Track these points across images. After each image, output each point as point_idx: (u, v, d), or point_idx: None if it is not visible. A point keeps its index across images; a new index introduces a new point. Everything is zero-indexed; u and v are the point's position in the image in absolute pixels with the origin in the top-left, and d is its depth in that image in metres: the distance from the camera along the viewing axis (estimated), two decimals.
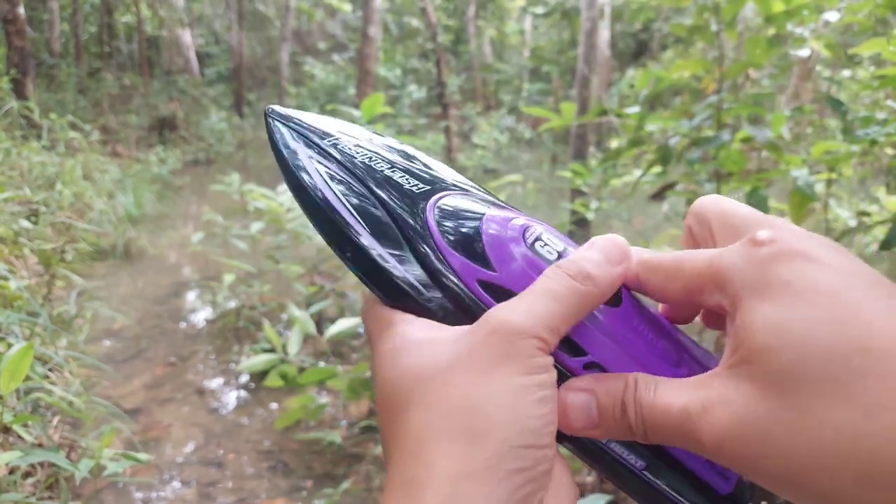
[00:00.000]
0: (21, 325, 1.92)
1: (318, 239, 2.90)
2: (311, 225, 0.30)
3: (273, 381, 2.26)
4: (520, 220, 0.29)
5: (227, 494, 1.87)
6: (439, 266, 0.27)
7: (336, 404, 2.36)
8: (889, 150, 2.40)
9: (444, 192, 0.30)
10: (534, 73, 13.85)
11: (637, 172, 2.64)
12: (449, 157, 8.43)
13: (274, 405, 2.39)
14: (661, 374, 0.25)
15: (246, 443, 2.13)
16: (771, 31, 1.90)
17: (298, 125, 0.31)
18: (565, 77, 12.72)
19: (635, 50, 13.20)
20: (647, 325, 0.27)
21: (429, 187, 0.30)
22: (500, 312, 0.25)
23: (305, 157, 0.29)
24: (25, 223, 3.00)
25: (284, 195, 3.08)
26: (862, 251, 2.88)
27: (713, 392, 0.22)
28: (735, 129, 1.85)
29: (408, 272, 0.27)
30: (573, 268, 0.26)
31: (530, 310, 0.24)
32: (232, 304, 3.34)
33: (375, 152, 0.31)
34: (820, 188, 1.93)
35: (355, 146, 0.30)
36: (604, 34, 9.09)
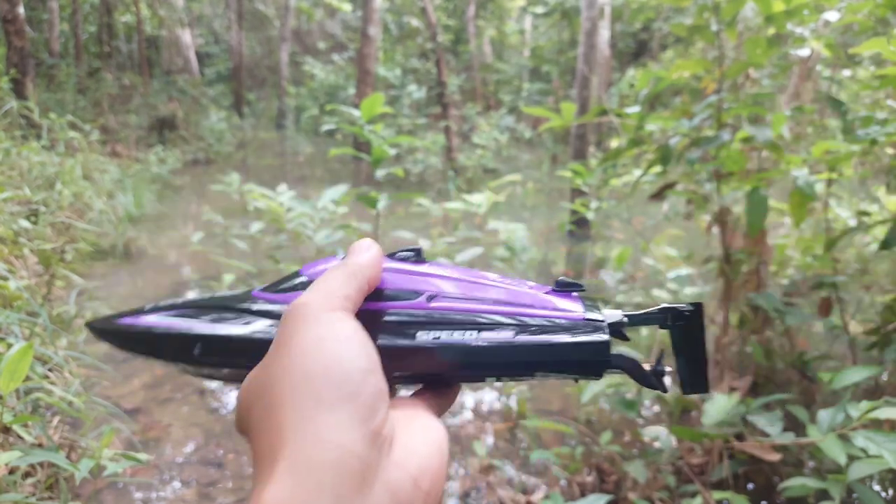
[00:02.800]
0: (21, 325, 1.92)
1: (318, 239, 2.91)
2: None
3: None
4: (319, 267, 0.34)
5: (227, 494, 1.87)
6: (278, 308, 0.32)
7: None
8: (889, 150, 2.40)
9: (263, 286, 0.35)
10: (534, 72, 13.85)
11: (637, 172, 2.64)
12: (449, 157, 8.43)
13: None
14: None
15: (246, 443, 2.14)
16: (771, 31, 1.90)
17: (118, 315, 0.35)
18: (565, 77, 12.72)
19: (635, 50, 13.20)
20: (451, 267, 0.34)
21: (247, 290, 0.35)
22: (293, 301, 0.29)
23: (133, 321, 0.34)
24: (25, 223, 3.00)
25: (284, 195, 3.08)
26: (862, 251, 2.88)
27: None
28: (735, 129, 1.85)
29: (252, 326, 0.32)
30: (339, 261, 0.32)
31: (314, 289, 0.29)
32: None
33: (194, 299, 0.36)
34: (820, 188, 1.93)
35: (170, 302, 0.36)
36: (604, 34, 9.08)
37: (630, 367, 0.31)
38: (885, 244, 1.46)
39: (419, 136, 9.53)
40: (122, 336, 0.34)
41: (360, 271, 0.30)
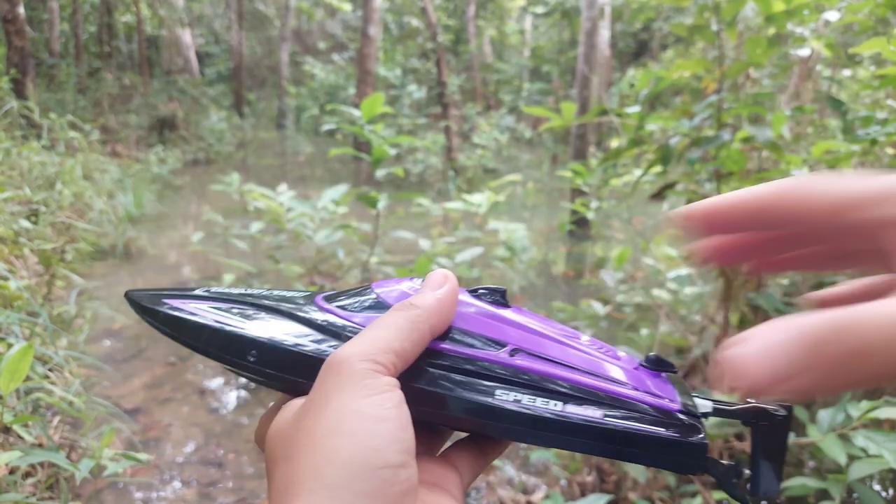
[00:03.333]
0: (21, 325, 1.92)
1: (318, 239, 2.91)
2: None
3: None
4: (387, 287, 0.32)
5: (227, 494, 1.87)
6: (343, 324, 0.29)
7: None
8: (889, 150, 2.40)
9: (321, 293, 0.32)
10: (534, 72, 13.85)
11: (637, 172, 2.64)
12: (449, 157, 8.43)
13: None
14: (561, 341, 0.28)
15: (246, 443, 2.13)
16: (771, 31, 1.90)
17: (158, 293, 0.32)
18: (565, 77, 12.72)
19: (635, 50, 13.20)
20: (535, 316, 0.30)
21: (307, 293, 0.32)
22: (336, 351, 0.26)
23: (181, 305, 0.31)
24: (25, 223, 3.00)
25: (284, 195, 3.08)
26: None
27: None
28: (735, 129, 1.85)
29: (310, 341, 0.29)
30: (401, 302, 0.28)
31: (362, 340, 0.26)
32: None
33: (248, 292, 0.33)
34: None
35: (226, 290, 0.32)
36: (604, 34, 9.08)
37: (722, 475, 0.28)
38: None
39: (419, 136, 9.53)
40: (165, 320, 0.30)
41: (425, 319, 0.27)
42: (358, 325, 0.29)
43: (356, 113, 2.47)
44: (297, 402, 0.27)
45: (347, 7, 14.05)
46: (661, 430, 0.27)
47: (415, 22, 12.25)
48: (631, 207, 3.37)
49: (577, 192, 4.82)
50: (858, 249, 0.22)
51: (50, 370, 2.03)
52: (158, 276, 3.94)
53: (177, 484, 1.91)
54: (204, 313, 0.30)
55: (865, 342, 0.18)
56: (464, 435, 0.31)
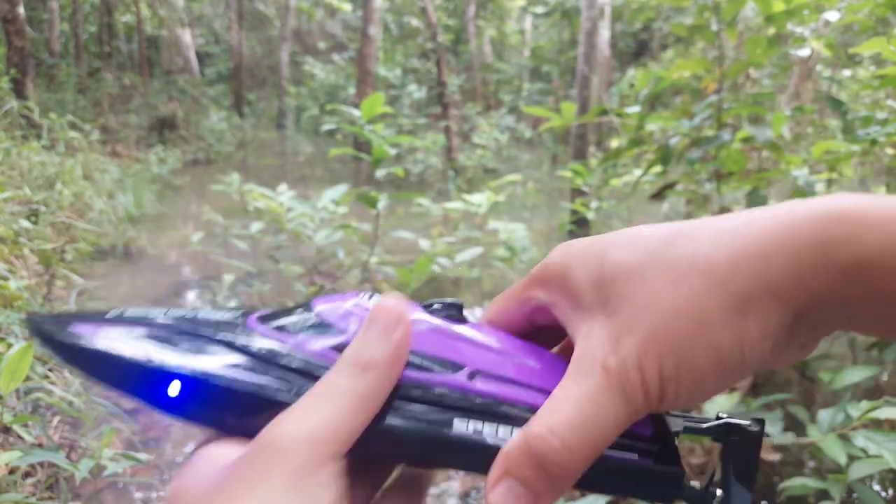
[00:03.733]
0: (21, 325, 1.92)
1: (318, 239, 2.91)
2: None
3: None
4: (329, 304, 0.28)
5: None
6: (279, 349, 0.25)
7: None
8: (889, 150, 2.40)
9: (255, 312, 0.28)
10: (534, 72, 13.85)
11: (637, 172, 2.64)
12: (449, 157, 8.43)
13: None
14: (524, 357, 0.26)
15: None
16: (771, 31, 1.90)
17: (67, 317, 0.26)
18: (565, 77, 12.73)
19: (635, 50, 13.20)
20: (495, 332, 0.28)
21: (238, 313, 0.28)
22: (275, 427, 0.22)
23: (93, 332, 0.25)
24: (25, 223, 3.00)
25: (284, 195, 3.08)
26: None
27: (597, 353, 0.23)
28: (735, 129, 1.85)
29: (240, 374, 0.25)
30: (351, 358, 0.24)
31: (309, 417, 0.22)
32: (232, 303, 3.34)
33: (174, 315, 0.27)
34: (820, 188, 1.93)
35: (145, 313, 0.27)
36: (604, 34, 9.09)
37: (693, 498, 0.26)
38: None
39: (419, 136, 9.53)
40: (70, 350, 0.25)
41: (382, 383, 0.24)
42: (296, 349, 0.25)
43: (356, 113, 2.47)
44: (216, 461, 0.23)
45: (347, 7, 14.05)
46: (632, 456, 0.25)
47: (415, 22, 12.25)
48: (631, 207, 3.37)
49: (577, 192, 4.82)
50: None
51: (50, 370, 2.03)
52: (158, 276, 3.94)
53: None
54: (117, 342, 0.25)
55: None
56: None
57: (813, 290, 0.21)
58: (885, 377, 1.84)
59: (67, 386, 1.94)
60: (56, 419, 1.96)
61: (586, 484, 0.25)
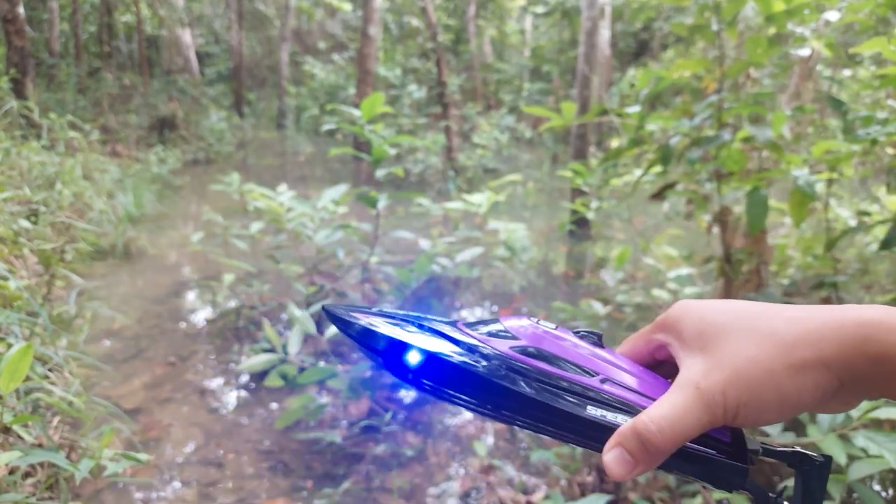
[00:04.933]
0: (21, 325, 1.92)
1: (318, 239, 2.91)
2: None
3: (273, 380, 2.26)
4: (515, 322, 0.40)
5: (227, 494, 1.87)
6: (488, 349, 0.37)
7: (336, 404, 2.36)
8: (890, 150, 2.40)
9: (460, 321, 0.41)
10: (534, 72, 13.85)
11: (637, 172, 2.64)
12: (449, 157, 8.43)
13: (274, 405, 2.39)
14: (638, 375, 0.37)
15: (246, 443, 2.13)
16: (772, 31, 1.90)
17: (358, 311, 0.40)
18: (566, 77, 12.72)
19: (636, 49, 13.20)
20: (623, 357, 0.39)
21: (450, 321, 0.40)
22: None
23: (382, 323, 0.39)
24: (25, 223, 3.00)
25: (284, 195, 3.08)
26: (862, 251, 2.88)
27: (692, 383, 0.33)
28: (736, 129, 1.85)
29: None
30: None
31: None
32: (232, 303, 3.34)
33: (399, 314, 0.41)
34: (820, 188, 1.93)
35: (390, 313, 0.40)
36: (604, 34, 9.08)
37: (758, 496, 0.36)
38: (885, 244, 1.46)
39: (419, 136, 9.53)
40: (351, 329, 0.39)
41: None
42: (489, 346, 0.37)
43: (356, 113, 2.47)
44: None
45: (347, 7, 14.05)
46: (710, 451, 0.34)
47: (415, 22, 12.25)
48: (631, 207, 3.37)
49: (577, 192, 4.82)
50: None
51: (50, 370, 2.03)
52: (158, 276, 3.94)
53: (177, 484, 1.91)
54: (382, 325, 0.38)
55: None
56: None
57: (851, 368, 0.31)
58: None
59: (67, 386, 1.94)
60: (56, 419, 1.96)
61: (678, 466, 0.35)
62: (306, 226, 2.99)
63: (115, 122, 8.55)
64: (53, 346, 2.01)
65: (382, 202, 2.66)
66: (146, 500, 1.83)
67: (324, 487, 1.87)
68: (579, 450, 1.82)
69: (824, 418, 1.23)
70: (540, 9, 12.44)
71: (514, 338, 0.38)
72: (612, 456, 0.33)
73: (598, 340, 0.39)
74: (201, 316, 3.37)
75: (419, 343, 0.37)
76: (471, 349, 0.37)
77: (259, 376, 2.50)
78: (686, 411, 0.32)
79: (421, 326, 0.38)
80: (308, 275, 3.12)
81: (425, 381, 0.37)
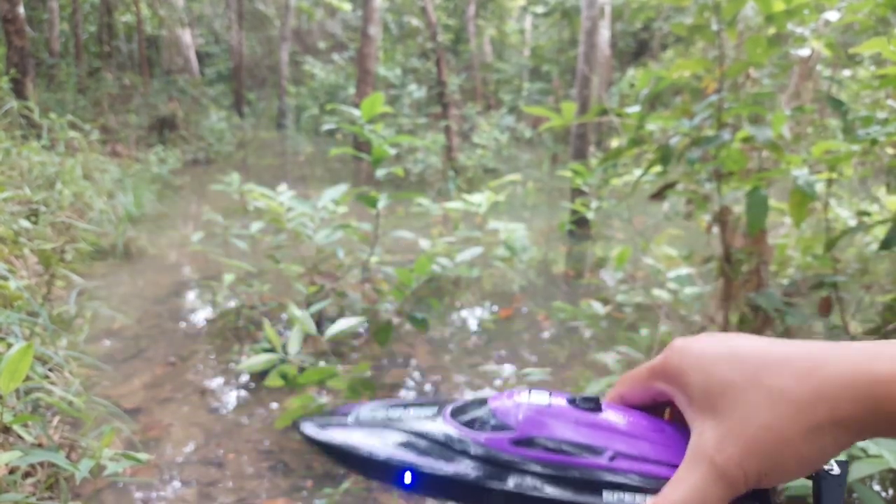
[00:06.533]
0: (21, 324, 1.92)
1: (318, 239, 2.91)
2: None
3: (273, 380, 2.26)
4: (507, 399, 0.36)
5: (228, 494, 1.87)
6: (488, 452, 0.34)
7: (336, 404, 2.36)
8: (889, 150, 2.40)
9: (448, 404, 0.37)
10: (534, 72, 13.85)
11: (637, 172, 2.64)
12: (449, 157, 8.43)
13: (274, 405, 2.39)
14: (653, 440, 0.34)
15: (246, 442, 2.13)
16: (771, 31, 1.90)
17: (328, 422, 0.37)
18: (565, 76, 12.72)
19: (635, 49, 13.20)
20: (626, 413, 0.36)
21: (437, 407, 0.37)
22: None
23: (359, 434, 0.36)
24: (25, 223, 3.00)
25: (284, 195, 3.08)
26: (862, 251, 2.88)
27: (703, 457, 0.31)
28: (735, 129, 1.85)
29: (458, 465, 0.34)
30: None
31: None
32: (232, 303, 3.34)
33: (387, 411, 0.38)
34: (820, 188, 1.93)
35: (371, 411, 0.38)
36: (604, 33, 9.08)
37: None
38: (885, 244, 1.46)
39: (419, 136, 9.53)
40: (330, 451, 0.36)
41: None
42: (481, 444, 0.34)
43: (356, 113, 2.47)
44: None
45: (347, 7, 14.05)
46: None
47: (415, 21, 12.25)
48: (631, 207, 3.37)
49: (577, 192, 4.82)
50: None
51: (50, 370, 2.03)
52: (158, 276, 3.94)
53: (177, 484, 1.91)
54: (366, 444, 0.35)
55: None
56: None
57: (868, 427, 0.30)
58: None
59: (68, 386, 1.94)
60: (56, 419, 1.96)
61: None
62: (306, 226, 2.99)
63: (115, 122, 8.55)
64: (53, 346, 2.01)
65: (382, 202, 2.66)
66: (146, 499, 1.83)
67: (324, 487, 1.88)
68: None
69: None
70: (540, 9, 12.44)
71: (507, 427, 0.34)
72: None
73: (595, 405, 0.35)
74: (201, 316, 3.37)
75: (407, 459, 0.34)
76: (465, 453, 0.34)
77: (259, 376, 2.50)
78: (706, 493, 0.31)
79: (406, 431, 0.35)
80: (308, 275, 3.12)
81: (428, 494, 0.34)
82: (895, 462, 1.03)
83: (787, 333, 1.97)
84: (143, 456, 1.35)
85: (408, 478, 0.34)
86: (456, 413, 0.36)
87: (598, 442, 0.34)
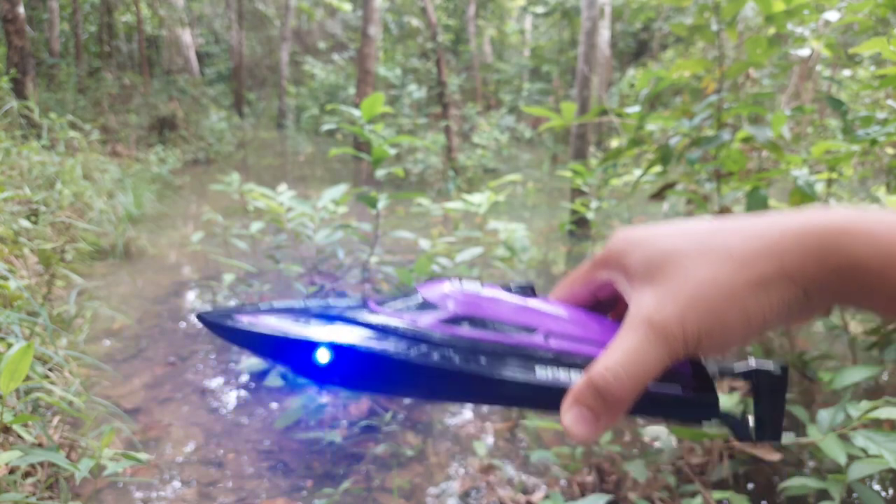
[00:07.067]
0: (21, 324, 1.92)
1: (318, 239, 2.91)
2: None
3: (273, 380, 2.26)
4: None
5: (228, 494, 1.87)
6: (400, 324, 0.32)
7: (336, 404, 2.36)
8: (889, 150, 2.40)
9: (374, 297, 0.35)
10: (534, 72, 13.85)
11: (637, 172, 2.64)
12: (449, 157, 8.43)
13: (274, 405, 2.39)
14: (581, 321, 0.33)
15: (246, 442, 2.13)
16: (771, 31, 1.90)
17: (233, 311, 0.34)
18: (565, 77, 12.72)
19: (635, 49, 13.19)
20: (564, 305, 0.35)
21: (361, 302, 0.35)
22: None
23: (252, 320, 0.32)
24: (25, 223, 3.00)
25: (284, 195, 3.08)
26: None
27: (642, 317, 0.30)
28: (735, 129, 1.85)
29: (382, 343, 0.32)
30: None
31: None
32: (232, 303, 3.34)
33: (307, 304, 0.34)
34: (820, 188, 1.93)
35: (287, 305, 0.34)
36: (604, 34, 9.08)
37: (731, 422, 0.34)
38: None
39: (419, 136, 9.53)
40: (239, 336, 0.33)
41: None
42: (412, 323, 0.32)
43: (356, 113, 2.47)
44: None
45: (347, 7, 14.05)
46: (676, 389, 0.32)
47: (415, 22, 12.25)
48: (631, 207, 3.37)
49: (577, 192, 4.82)
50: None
51: (50, 370, 2.03)
52: (158, 276, 3.94)
53: (177, 484, 1.91)
54: (270, 325, 0.32)
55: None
56: None
57: (814, 279, 0.29)
58: (885, 377, 1.84)
59: (68, 385, 1.94)
60: (56, 419, 1.96)
61: (643, 411, 0.32)
62: (306, 226, 2.99)
63: (115, 122, 8.54)
64: (53, 346, 2.01)
65: (382, 202, 2.66)
66: (146, 499, 1.83)
67: (324, 487, 1.88)
68: (579, 449, 1.82)
69: (824, 418, 1.23)
70: (540, 9, 12.44)
71: (438, 308, 0.32)
72: (571, 417, 0.30)
73: (531, 292, 0.34)
74: None
75: (325, 336, 0.31)
76: (391, 332, 0.31)
77: (259, 376, 2.50)
78: (642, 352, 0.29)
79: (325, 316, 0.32)
80: (308, 275, 3.12)
81: (345, 381, 0.31)
82: (895, 462, 1.03)
83: (786, 333, 1.97)
84: (143, 456, 1.34)
85: (324, 356, 0.31)
86: (383, 302, 0.34)
87: (531, 322, 0.32)
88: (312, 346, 0.31)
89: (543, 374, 0.31)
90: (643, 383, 0.30)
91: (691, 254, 0.30)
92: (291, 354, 0.31)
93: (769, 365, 0.33)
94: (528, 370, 0.31)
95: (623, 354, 0.29)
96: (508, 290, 0.34)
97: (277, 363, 0.32)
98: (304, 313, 0.33)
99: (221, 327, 0.32)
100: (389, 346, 0.31)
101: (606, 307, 0.36)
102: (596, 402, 0.30)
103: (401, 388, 0.32)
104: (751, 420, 0.34)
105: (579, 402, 0.30)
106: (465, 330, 0.32)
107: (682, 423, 0.33)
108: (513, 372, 0.31)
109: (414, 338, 0.31)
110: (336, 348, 0.31)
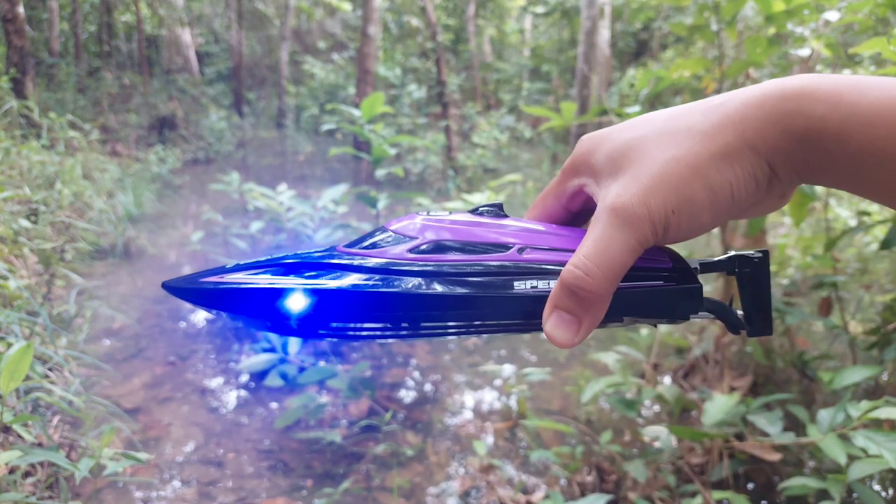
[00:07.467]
0: (21, 324, 1.92)
1: (318, 238, 2.91)
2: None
3: (273, 380, 2.26)
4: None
5: (227, 494, 1.87)
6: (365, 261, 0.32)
7: (336, 404, 2.36)
8: None
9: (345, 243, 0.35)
10: (534, 72, 13.85)
11: None
12: (449, 157, 8.42)
13: (274, 405, 2.39)
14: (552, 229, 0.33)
15: (246, 442, 2.13)
16: (771, 31, 1.90)
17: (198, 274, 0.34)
18: (565, 76, 12.72)
19: (635, 49, 13.19)
20: (536, 221, 0.35)
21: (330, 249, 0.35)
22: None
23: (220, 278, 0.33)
24: (25, 222, 3.00)
25: (284, 194, 3.08)
26: (862, 250, 2.88)
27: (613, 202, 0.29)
28: None
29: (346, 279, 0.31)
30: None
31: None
32: None
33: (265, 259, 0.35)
34: (820, 187, 1.93)
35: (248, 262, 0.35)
36: (604, 33, 9.08)
37: (718, 310, 0.33)
38: (885, 244, 1.46)
39: (419, 136, 9.53)
40: (206, 295, 0.32)
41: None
42: (380, 256, 0.32)
43: (356, 112, 2.47)
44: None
45: (347, 6, 14.05)
46: (657, 283, 0.32)
47: (415, 21, 12.24)
48: None
49: None
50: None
51: (50, 369, 2.03)
52: (158, 276, 3.94)
53: (177, 483, 1.91)
54: (237, 280, 0.32)
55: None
56: None
57: (779, 149, 0.28)
58: (885, 377, 1.84)
59: (67, 385, 1.94)
60: (56, 419, 1.96)
61: (628, 311, 0.31)
62: (306, 225, 2.99)
63: (114, 122, 8.54)
64: (53, 346, 2.01)
65: (382, 202, 2.66)
66: (146, 499, 1.83)
67: (324, 486, 1.88)
68: (579, 449, 1.82)
69: (824, 418, 1.23)
70: (540, 9, 12.43)
71: (408, 239, 0.32)
72: (551, 323, 0.29)
73: (499, 211, 0.34)
74: (201, 315, 3.36)
75: (297, 283, 0.30)
76: (363, 269, 0.31)
77: (259, 376, 2.50)
78: (608, 239, 0.28)
79: (293, 266, 0.32)
80: None
81: (322, 328, 0.31)
82: (895, 462, 1.03)
83: (787, 333, 1.97)
84: (143, 455, 1.34)
85: (296, 302, 0.30)
86: (353, 245, 0.34)
87: (504, 240, 0.32)
88: (282, 292, 0.30)
89: (522, 285, 0.31)
90: (616, 273, 0.29)
91: (652, 137, 0.29)
92: (262, 306, 0.30)
93: (749, 252, 0.33)
94: (505, 286, 0.31)
95: (591, 247, 0.29)
96: (476, 211, 0.34)
97: (250, 320, 0.31)
98: (271, 265, 0.32)
99: (187, 290, 0.32)
100: (360, 281, 0.30)
101: (582, 219, 0.36)
102: (572, 302, 0.29)
103: (379, 326, 0.31)
104: (739, 314, 0.34)
105: (557, 306, 0.29)
106: (438, 256, 0.31)
107: (670, 319, 0.32)
108: (490, 290, 0.31)
109: (386, 270, 0.31)
110: (309, 292, 0.30)
